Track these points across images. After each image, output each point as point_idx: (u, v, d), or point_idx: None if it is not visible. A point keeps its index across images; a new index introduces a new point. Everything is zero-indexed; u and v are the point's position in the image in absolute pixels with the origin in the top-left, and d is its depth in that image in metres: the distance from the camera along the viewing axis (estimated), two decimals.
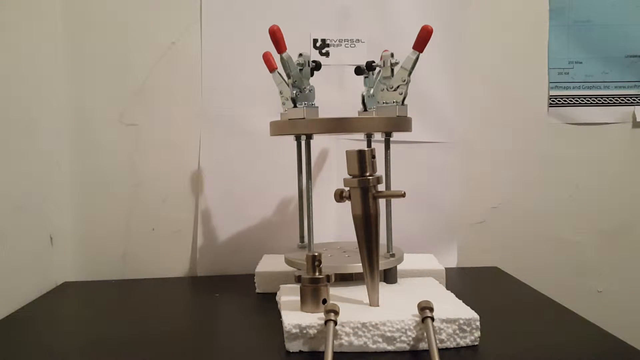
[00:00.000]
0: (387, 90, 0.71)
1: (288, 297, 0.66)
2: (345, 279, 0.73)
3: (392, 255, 0.74)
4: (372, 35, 0.96)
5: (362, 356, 0.57)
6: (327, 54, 0.96)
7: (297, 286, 0.64)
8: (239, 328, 0.69)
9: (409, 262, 0.78)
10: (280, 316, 0.63)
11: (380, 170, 0.65)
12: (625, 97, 1.01)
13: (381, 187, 0.64)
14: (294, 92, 0.71)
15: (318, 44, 0.96)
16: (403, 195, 0.62)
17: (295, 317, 0.60)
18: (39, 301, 0.81)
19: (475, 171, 1.00)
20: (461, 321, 0.58)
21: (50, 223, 0.89)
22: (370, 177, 0.62)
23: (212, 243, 0.96)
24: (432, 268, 0.82)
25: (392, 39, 0.91)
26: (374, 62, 0.77)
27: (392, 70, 0.72)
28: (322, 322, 0.57)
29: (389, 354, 0.58)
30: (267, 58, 0.76)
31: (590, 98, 1.01)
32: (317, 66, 0.74)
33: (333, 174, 0.97)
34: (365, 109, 0.81)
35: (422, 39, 0.68)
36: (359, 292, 0.66)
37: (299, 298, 0.63)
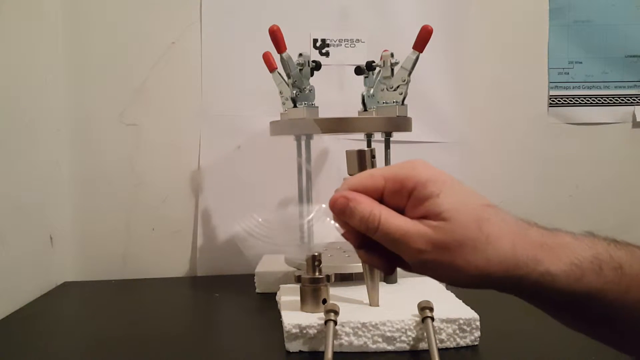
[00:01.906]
0: (387, 90, 0.71)
1: (288, 297, 0.66)
2: (345, 278, 0.73)
3: None
4: (372, 35, 0.96)
5: (362, 356, 0.57)
6: (327, 54, 0.96)
7: (297, 286, 0.64)
8: (239, 328, 0.69)
9: None
10: (280, 316, 0.63)
11: None
12: (625, 97, 1.01)
13: None
14: (294, 92, 0.71)
15: (318, 44, 0.96)
16: None
17: (295, 317, 0.60)
18: (39, 301, 0.81)
19: (475, 171, 1.00)
20: (461, 321, 0.58)
21: (50, 223, 0.89)
22: None
23: (211, 243, 0.96)
24: None
25: (392, 38, 0.91)
26: (374, 62, 0.77)
27: (392, 70, 0.72)
28: (322, 322, 0.57)
29: (389, 354, 0.58)
30: (267, 58, 0.76)
31: (590, 98, 1.01)
32: (317, 66, 0.74)
33: (333, 174, 0.96)
34: (365, 109, 0.81)
35: (422, 39, 0.68)
36: (359, 292, 0.66)
37: (299, 298, 0.63)
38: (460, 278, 0.36)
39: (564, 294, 0.35)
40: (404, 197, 0.37)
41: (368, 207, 0.37)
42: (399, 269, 0.39)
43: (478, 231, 0.35)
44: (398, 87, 0.70)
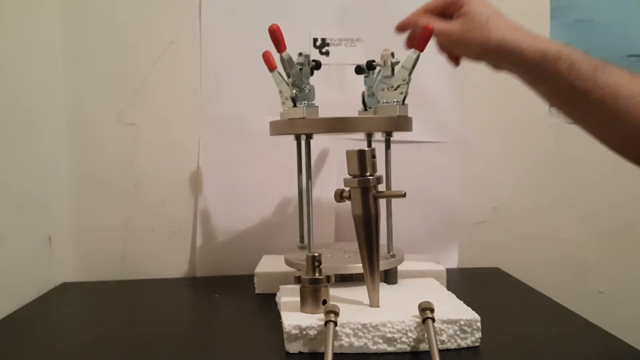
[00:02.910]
0: (388, 89, 0.71)
1: (288, 297, 0.66)
2: (346, 279, 0.73)
3: (393, 256, 0.74)
4: (372, 34, 0.95)
5: (362, 357, 0.57)
6: (327, 53, 0.95)
7: (297, 287, 0.63)
8: (238, 329, 0.69)
9: (409, 262, 0.78)
10: (280, 317, 0.63)
11: (381, 170, 0.64)
12: None
13: (381, 187, 0.64)
14: (294, 91, 0.70)
15: (318, 43, 0.95)
16: (403, 195, 0.62)
17: (295, 318, 0.59)
18: (37, 302, 0.81)
19: (476, 171, 1.00)
20: (462, 322, 0.58)
21: (49, 223, 0.89)
22: (371, 177, 0.62)
23: (211, 243, 0.95)
24: (432, 269, 0.81)
25: (393, 38, 0.90)
26: (374, 61, 0.77)
27: (393, 69, 0.71)
28: (322, 323, 0.57)
29: (389, 355, 0.57)
30: (266, 57, 0.75)
31: None
32: (317, 65, 0.74)
33: (333, 174, 0.96)
34: (365, 109, 0.80)
35: (423, 38, 0.67)
36: (359, 292, 0.66)
37: (298, 299, 0.63)
38: (475, 45, 0.62)
39: (532, 68, 0.59)
40: (455, 8, 0.65)
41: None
42: None
43: (486, 23, 0.61)
44: (399, 86, 0.70)
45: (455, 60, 0.69)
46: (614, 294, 1.02)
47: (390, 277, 0.74)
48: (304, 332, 0.57)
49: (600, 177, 1.01)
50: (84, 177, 0.94)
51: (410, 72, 0.69)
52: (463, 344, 0.58)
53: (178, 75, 0.95)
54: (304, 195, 0.77)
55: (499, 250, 1.01)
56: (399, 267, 0.75)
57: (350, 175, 0.63)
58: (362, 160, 0.62)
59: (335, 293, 0.66)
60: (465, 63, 0.69)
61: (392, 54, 0.72)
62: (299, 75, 0.71)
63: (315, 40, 0.95)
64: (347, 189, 0.63)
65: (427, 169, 0.97)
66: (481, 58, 0.64)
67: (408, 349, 0.57)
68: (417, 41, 0.68)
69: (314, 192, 0.75)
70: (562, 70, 0.56)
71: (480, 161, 1.00)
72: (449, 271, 0.82)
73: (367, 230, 0.62)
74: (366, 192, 0.62)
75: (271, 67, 0.74)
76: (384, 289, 0.66)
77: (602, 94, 0.55)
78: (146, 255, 0.96)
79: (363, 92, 0.81)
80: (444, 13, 0.66)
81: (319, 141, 0.91)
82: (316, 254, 0.63)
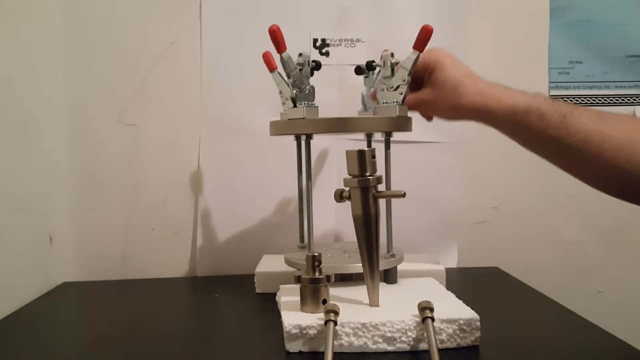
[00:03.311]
0: (387, 90, 0.71)
1: (288, 297, 0.66)
2: (345, 279, 0.73)
3: (392, 256, 0.74)
4: (372, 34, 0.95)
5: (362, 356, 0.57)
6: (327, 54, 0.95)
7: (297, 286, 0.63)
8: (238, 328, 0.69)
9: (409, 262, 0.78)
10: (280, 316, 0.63)
11: (381, 170, 0.65)
12: (625, 97, 1.01)
13: (381, 187, 0.64)
14: (294, 91, 0.70)
15: (318, 44, 0.96)
16: (403, 195, 0.62)
17: (295, 317, 0.59)
18: (38, 301, 0.81)
19: (476, 171, 1.00)
20: (461, 321, 0.58)
21: (50, 223, 0.89)
22: (371, 177, 0.62)
23: (211, 243, 0.96)
24: (432, 268, 0.81)
25: (392, 38, 0.91)
26: (374, 61, 0.77)
27: (392, 69, 0.71)
28: (322, 322, 0.57)
29: (389, 354, 0.57)
30: (267, 58, 0.75)
31: (591, 98, 1.01)
32: (317, 66, 0.74)
33: (333, 174, 0.96)
34: (365, 109, 0.80)
35: (422, 39, 0.68)
36: (359, 292, 0.66)
37: (299, 298, 0.63)
38: (447, 111, 0.67)
39: (504, 124, 0.62)
40: (427, 71, 0.67)
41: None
42: None
43: (454, 91, 0.64)
44: (398, 86, 0.70)
45: (428, 118, 0.73)
46: (613, 294, 1.02)
47: (390, 276, 0.74)
48: (304, 332, 0.57)
49: None
50: (84, 177, 0.94)
51: (410, 73, 0.69)
52: (462, 343, 0.58)
53: (178, 75, 0.95)
54: (304, 195, 0.77)
55: (499, 250, 1.01)
56: (399, 267, 0.75)
57: (350, 175, 0.63)
58: (362, 160, 0.62)
59: (335, 293, 0.66)
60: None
61: (392, 55, 0.72)
62: (299, 75, 0.71)
63: (315, 40, 0.96)
64: (347, 189, 0.63)
65: (427, 169, 0.97)
66: (454, 120, 0.68)
67: (408, 348, 0.58)
68: (416, 41, 0.68)
69: (314, 192, 0.75)
70: (533, 123, 0.59)
71: (480, 161, 1.00)
72: (449, 271, 0.83)
73: (367, 230, 0.62)
74: (366, 192, 0.62)
75: (271, 68, 0.74)
76: (383, 288, 0.66)
77: (574, 140, 0.57)
78: (147, 255, 0.96)
79: (363, 93, 0.81)
80: (417, 76, 0.68)
81: (319, 141, 0.91)
82: (316, 254, 0.63)
